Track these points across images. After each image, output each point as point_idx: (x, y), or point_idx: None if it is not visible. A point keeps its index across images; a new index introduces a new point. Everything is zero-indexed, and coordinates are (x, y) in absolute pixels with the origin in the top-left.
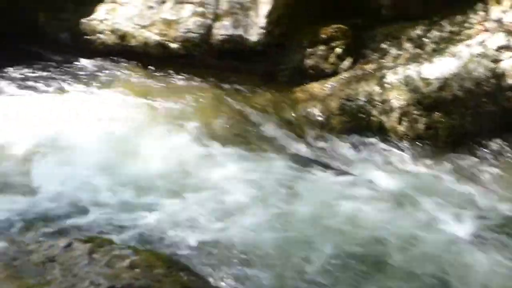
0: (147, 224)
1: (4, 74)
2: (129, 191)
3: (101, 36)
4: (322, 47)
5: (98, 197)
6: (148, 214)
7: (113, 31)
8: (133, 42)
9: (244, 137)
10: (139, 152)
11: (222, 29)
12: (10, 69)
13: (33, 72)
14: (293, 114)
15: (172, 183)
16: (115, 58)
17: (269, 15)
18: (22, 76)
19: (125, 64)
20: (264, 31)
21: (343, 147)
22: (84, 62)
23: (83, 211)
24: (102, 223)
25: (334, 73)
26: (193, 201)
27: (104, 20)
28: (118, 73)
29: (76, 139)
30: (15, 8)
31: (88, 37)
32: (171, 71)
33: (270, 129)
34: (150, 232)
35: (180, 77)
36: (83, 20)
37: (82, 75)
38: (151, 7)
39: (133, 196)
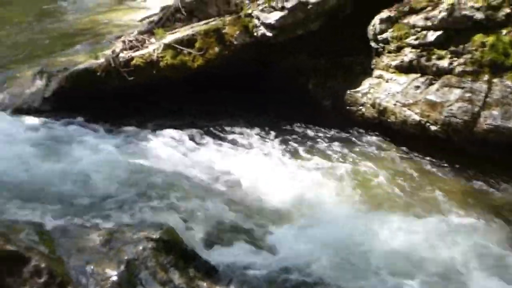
0: None
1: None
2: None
3: (362, 108)
4: None
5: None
6: None
7: (373, 105)
8: (391, 119)
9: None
10: (381, 234)
11: (490, 119)
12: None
13: (292, 132)
14: None
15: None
16: (370, 131)
17: None
18: (283, 136)
19: (379, 139)
20: None
21: None
22: (340, 130)
23: (319, 277)
24: None
25: None
26: None
27: (367, 93)
28: (371, 147)
29: (321, 207)
30: (294, 74)
31: (349, 107)
32: (424, 154)
33: None
34: None
35: (432, 160)
36: (347, 91)
37: (336, 142)
38: (417, 87)
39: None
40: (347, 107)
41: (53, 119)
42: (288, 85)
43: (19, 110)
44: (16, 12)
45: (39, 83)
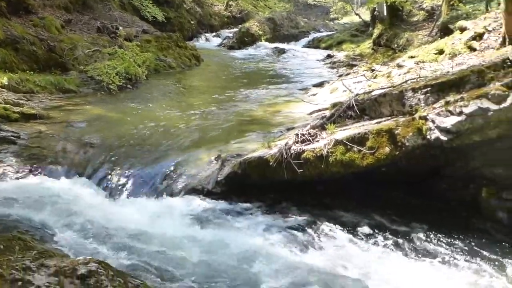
0: None
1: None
2: None
3: None
4: None
5: None
6: None
7: None
8: None
9: None
10: None
11: None
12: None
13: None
14: None
15: None
16: None
17: None
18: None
19: None
20: None
21: None
22: None
23: None
24: None
25: None
26: None
27: None
28: None
29: None
30: (463, 181)
31: None
32: None
33: None
34: None
35: None
36: None
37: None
38: None
39: None
40: None
41: (222, 202)
42: (454, 192)
43: (193, 190)
44: (200, 99)
45: (214, 167)
